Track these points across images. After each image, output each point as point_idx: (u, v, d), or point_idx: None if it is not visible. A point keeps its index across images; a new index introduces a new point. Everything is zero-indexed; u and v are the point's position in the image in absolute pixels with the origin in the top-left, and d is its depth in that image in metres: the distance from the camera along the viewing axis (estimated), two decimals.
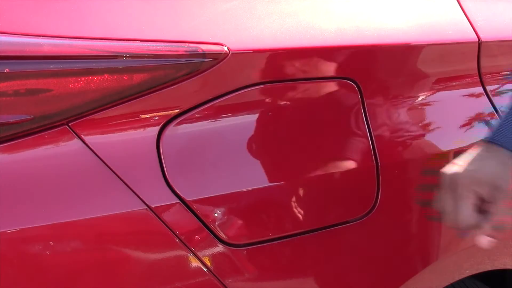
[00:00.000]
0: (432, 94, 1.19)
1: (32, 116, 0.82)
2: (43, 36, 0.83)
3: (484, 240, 0.98)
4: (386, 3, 1.15)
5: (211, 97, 0.95)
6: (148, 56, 0.88)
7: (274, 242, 0.99)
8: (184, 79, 0.91)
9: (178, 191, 0.92)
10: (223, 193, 0.95)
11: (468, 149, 1.06)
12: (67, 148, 0.85)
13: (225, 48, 0.94)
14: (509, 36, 1.28)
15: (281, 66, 0.99)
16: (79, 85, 0.84)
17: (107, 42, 0.86)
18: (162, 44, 0.90)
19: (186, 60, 0.91)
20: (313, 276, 1.05)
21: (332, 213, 1.05)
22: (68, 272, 0.84)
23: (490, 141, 1.01)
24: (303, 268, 1.03)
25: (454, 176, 0.98)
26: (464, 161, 1.00)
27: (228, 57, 0.93)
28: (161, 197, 0.90)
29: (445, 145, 1.18)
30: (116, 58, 0.86)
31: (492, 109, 1.25)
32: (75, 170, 0.85)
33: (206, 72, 0.92)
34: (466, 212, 0.96)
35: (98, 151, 0.86)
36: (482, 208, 0.98)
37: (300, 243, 1.01)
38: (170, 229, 0.90)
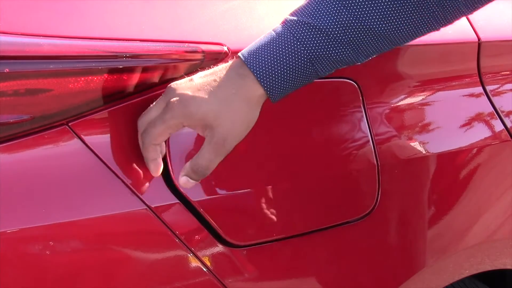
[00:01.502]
0: (432, 94, 1.19)
1: (32, 116, 0.82)
2: (43, 36, 0.83)
3: (183, 180, 0.87)
4: None
5: None
6: (148, 56, 0.88)
7: (274, 242, 0.99)
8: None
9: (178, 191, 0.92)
10: (223, 194, 0.95)
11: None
12: (67, 148, 0.85)
13: (225, 48, 0.94)
14: (509, 36, 1.28)
15: None
16: (79, 85, 0.84)
17: (107, 42, 0.86)
18: (162, 44, 0.90)
19: (186, 60, 0.91)
20: (313, 276, 1.05)
21: (332, 214, 1.05)
22: (68, 272, 0.84)
23: (244, 61, 0.86)
24: (302, 268, 1.04)
25: (174, 93, 0.85)
26: (200, 79, 0.87)
27: (228, 57, 0.93)
28: (161, 197, 0.90)
29: (444, 145, 1.18)
30: (116, 58, 0.86)
31: (492, 109, 1.25)
32: (75, 170, 0.85)
33: None
34: (155, 136, 0.85)
35: (98, 151, 0.86)
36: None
37: (300, 243, 1.01)
38: (170, 229, 0.90)
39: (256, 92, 0.88)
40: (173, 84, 0.88)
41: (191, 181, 0.88)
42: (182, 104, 0.85)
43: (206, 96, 0.86)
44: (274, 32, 0.89)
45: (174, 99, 0.86)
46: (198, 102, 0.86)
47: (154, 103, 0.88)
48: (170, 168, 0.91)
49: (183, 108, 0.85)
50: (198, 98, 0.86)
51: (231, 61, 0.89)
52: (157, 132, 0.86)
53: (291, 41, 0.87)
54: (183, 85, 0.87)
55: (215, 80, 0.87)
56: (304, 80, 0.90)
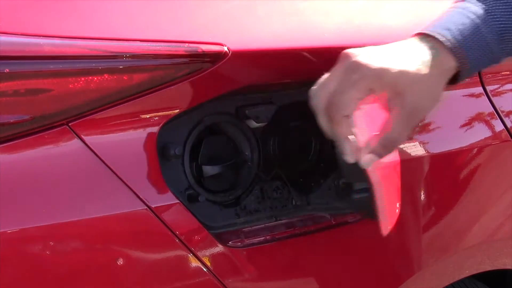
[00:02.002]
0: None
1: (32, 116, 0.82)
2: (43, 36, 0.83)
3: (368, 158, 0.79)
4: (386, 3, 1.15)
5: (211, 97, 0.95)
6: (148, 56, 0.88)
7: (274, 242, 0.99)
8: (184, 79, 0.91)
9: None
10: None
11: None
12: (67, 148, 0.85)
13: (225, 48, 0.94)
14: None
15: (281, 66, 0.99)
16: (79, 85, 0.84)
17: (107, 42, 0.86)
18: (162, 44, 0.90)
19: (186, 60, 0.91)
20: (313, 276, 1.05)
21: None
22: (68, 272, 0.84)
23: (432, 34, 0.81)
24: (303, 268, 1.03)
25: (356, 54, 0.77)
26: (386, 48, 0.80)
27: (228, 57, 0.93)
28: (161, 197, 0.90)
29: (444, 145, 1.18)
30: (116, 58, 0.86)
31: (492, 109, 1.25)
32: (75, 170, 0.85)
33: (206, 72, 0.92)
34: (346, 103, 0.77)
35: (98, 151, 0.86)
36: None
37: (300, 243, 1.01)
38: (170, 229, 0.90)
39: (447, 65, 0.83)
40: (349, 50, 0.80)
41: (375, 158, 0.80)
42: (372, 63, 0.77)
43: (398, 57, 0.79)
44: (460, 7, 0.86)
45: (359, 59, 0.78)
46: (391, 61, 0.78)
47: (327, 75, 0.81)
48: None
49: (373, 68, 0.77)
50: (390, 57, 0.78)
51: (411, 38, 0.84)
52: (347, 98, 0.77)
53: (481, 13, 0.84)
54: (365, 49, 0.79)
55: (400, 48, 0.81)
56: (491, 59, 0.87)
